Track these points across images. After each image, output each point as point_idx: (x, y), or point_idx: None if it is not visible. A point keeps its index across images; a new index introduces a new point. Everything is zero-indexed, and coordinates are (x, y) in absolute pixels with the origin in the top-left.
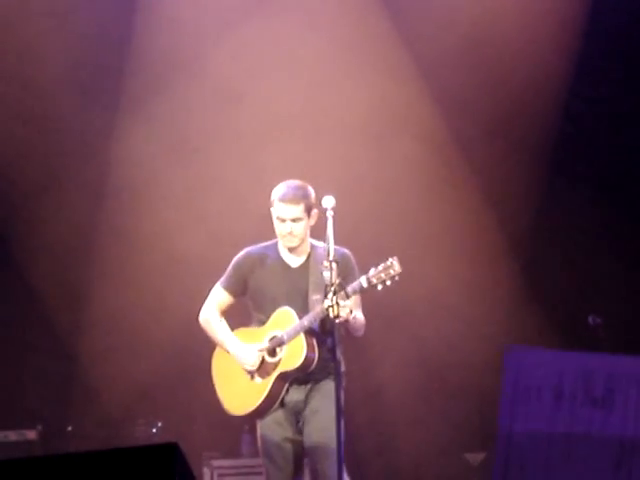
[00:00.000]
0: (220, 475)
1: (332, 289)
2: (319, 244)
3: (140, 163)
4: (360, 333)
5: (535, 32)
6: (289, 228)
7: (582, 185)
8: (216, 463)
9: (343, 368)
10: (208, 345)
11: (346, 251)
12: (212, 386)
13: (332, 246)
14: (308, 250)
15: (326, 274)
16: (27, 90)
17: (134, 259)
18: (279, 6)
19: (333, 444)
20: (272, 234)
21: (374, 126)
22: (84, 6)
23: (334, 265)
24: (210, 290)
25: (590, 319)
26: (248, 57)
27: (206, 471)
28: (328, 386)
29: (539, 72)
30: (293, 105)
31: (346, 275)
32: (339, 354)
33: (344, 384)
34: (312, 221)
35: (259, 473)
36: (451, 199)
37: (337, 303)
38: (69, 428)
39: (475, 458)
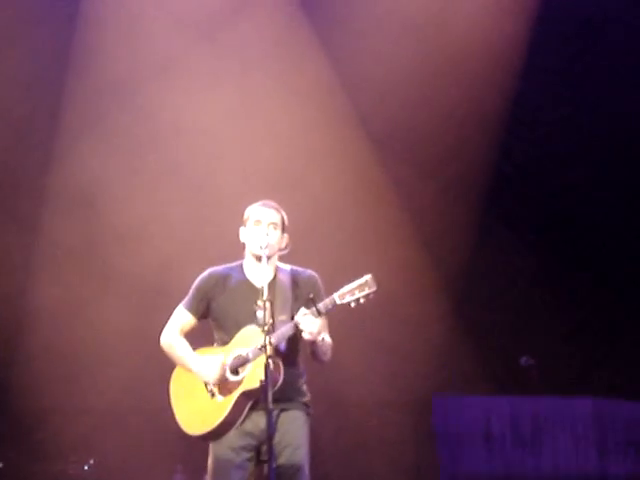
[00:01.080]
0: None
1: (265, 328)
2: (285, 267)
3: (79, 192)
4: (327, 357)
5: (473, 73)
6: (265, 231)
7: (516, 225)
8: None
9: (308, 397)
10: (142, 382)
11: (313, 273)
12: (164, 411)
13: (266, 287)
14: (274, 271)
15: (259, 314)
16: None
17: (70, 292)
18: (224, 46)
19: (303, 477)
20: (234, 256)
21: (313, 168)
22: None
23: (268, 305)
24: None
25: (522, 360)
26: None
27: None
28: (296, 415)
29: (476, 113)
30: (232, 142)
31: (314, 295)
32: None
33: (311, 412)
34: (283, 242)
35: None
36: (387, 238)
37: (270, 343)
38: (0, 464)
39: None
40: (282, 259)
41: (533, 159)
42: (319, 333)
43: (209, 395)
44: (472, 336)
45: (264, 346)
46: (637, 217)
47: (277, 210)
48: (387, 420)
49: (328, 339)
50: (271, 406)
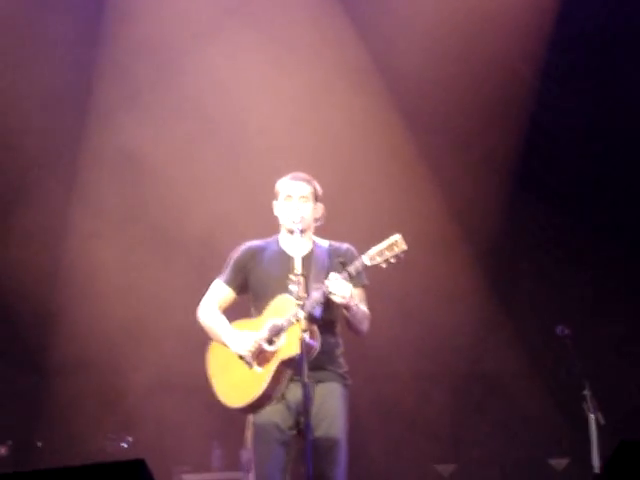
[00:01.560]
0: None
1: (302, 302)
2: (323, 242)
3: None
4: (364, 326)
5: (504, 44)
6: (297, 205)
7: (549, 196)
8: (187, 477)
9: (346, 368)
10: (179, 358)
11: (349, 246)
12: (202, 388)
13: (299, 261)
14: (310, 244)
15: (293, 288)
16: None
17: (105, 273)
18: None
19: (341, 450)
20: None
21: (343, 140)
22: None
23: (301, 279)
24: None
25: (558, 329)
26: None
27: None
28: (332, 387)
29: (508, 84)
30: (263, 119)
31: (345, 262)
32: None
33: (349, 383)
34: (317, 213)
35: None
36: (419, 211)
37: (304, 317)
38: (39, 443)
39: (446, 469)
40: (317, 231)
41: (564, 128)
42: (351, 298)
43: (247, 367)
44: (507, 307)
45: (298, 319)
46: None
47: (308, 182)
48: (423, 393)
49: (364, 308)
50: (307, 380)
